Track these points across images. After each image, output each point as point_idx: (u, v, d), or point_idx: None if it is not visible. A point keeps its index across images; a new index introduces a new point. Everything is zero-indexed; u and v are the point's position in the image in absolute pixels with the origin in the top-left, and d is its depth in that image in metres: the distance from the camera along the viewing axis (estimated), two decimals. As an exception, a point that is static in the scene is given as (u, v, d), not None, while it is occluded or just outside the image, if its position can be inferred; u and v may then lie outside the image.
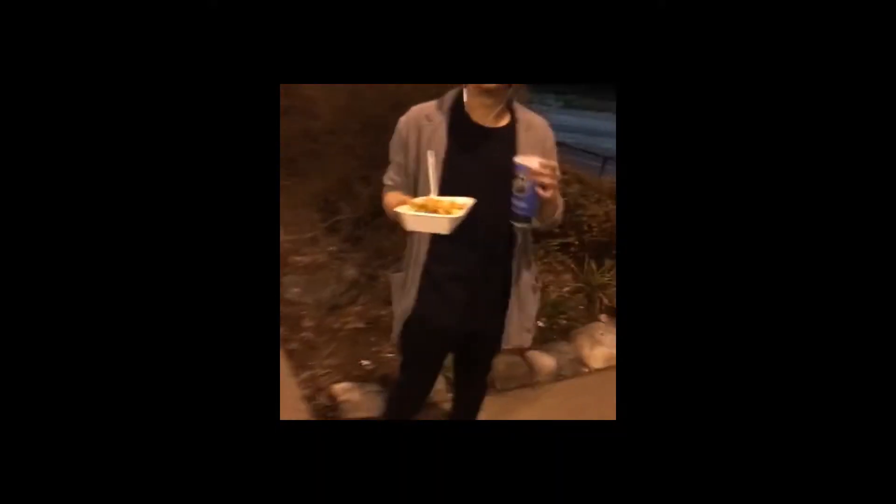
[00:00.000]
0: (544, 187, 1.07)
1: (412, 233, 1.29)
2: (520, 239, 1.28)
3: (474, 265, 1.25)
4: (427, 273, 1.28)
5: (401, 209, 1.06)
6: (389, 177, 1.30)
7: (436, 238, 1.21)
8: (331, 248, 2.79)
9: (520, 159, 1.08)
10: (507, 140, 1.22)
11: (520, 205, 1.10)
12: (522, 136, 1.22)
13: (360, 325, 2.54)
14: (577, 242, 3.14)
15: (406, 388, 1.55)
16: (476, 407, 1.64)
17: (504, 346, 1.36)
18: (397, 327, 1.38)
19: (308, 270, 2.70)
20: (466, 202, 1.11)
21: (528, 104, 1.63)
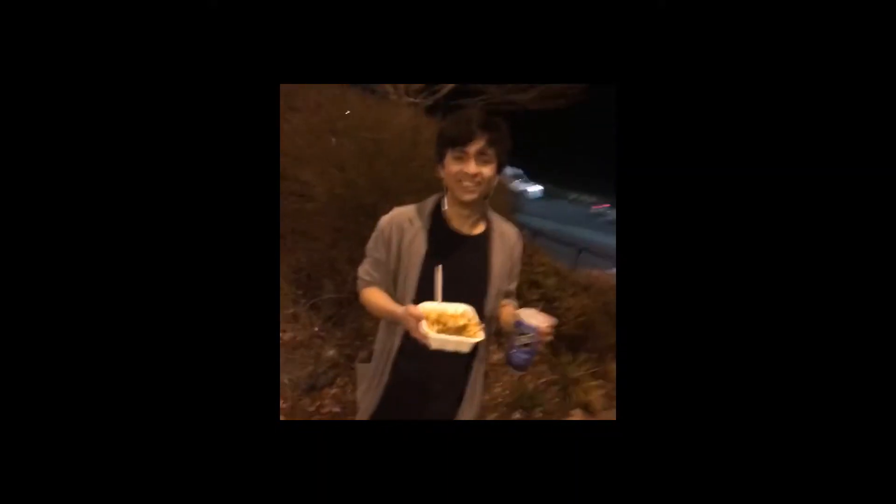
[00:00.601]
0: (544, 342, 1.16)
1: (382, 323, 1.33)
2: (483, 336, 1.29)
3: (443, 362, 1.22)
4: (396, 367, 1.29)
5: (425, 330, 1.07)
6: (366, 271, 1.31)
7: (408, 333, 1.20)
8: (315, 329, 2.79)
9: (528, 319, 1.14)
10: (481, 247, 1.29)
11: (523, 357, 1.17)
12: (496, 244, 1.30)
13: (336, 409, 2.48)
14: (553, 333, 3.20)
15: None
16: None
17: None
18: (363, 418, 1.36)
19: (287, 348, 2.69)
20: (467, 311, 1.18)
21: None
